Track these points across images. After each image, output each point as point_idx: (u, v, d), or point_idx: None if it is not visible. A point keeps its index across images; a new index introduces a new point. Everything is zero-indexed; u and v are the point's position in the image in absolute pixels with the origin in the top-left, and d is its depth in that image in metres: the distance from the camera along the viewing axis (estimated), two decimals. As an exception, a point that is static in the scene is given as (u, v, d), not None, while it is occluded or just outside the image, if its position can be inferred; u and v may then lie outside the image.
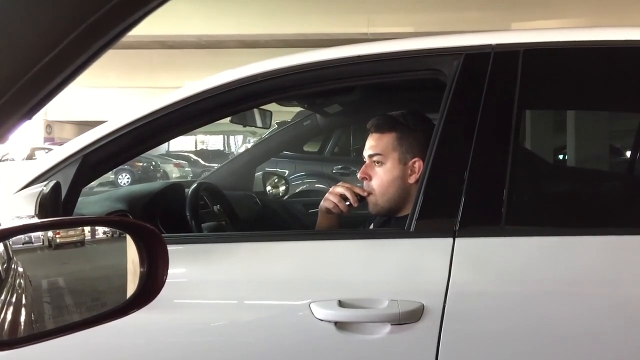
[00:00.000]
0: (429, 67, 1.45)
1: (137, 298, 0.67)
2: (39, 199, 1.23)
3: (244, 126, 2.52)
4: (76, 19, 0.39)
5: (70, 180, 1.40)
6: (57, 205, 1.28)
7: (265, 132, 3.65)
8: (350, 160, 7.11)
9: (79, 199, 1.50)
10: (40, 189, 1.27)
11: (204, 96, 1.48)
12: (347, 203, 1.66)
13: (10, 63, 0.40)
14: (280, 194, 2.93)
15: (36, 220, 0.70)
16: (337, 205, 1.67)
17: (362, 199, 1.66)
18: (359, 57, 1.48)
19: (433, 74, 1.45)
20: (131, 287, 0.77)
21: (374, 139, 1.65)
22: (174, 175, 16.97)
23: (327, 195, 1.70)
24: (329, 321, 1.23)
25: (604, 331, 1.22)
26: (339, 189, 1.69)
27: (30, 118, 0.46)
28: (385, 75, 1.52)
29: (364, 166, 1.67)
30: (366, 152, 1.67)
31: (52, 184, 1.29)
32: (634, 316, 1.21)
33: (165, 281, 0.66)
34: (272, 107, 2.11)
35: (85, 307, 0.83)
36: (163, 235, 1.70)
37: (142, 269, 0.66)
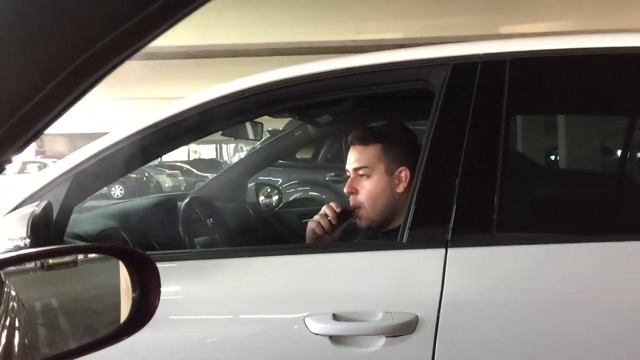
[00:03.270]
0: (417, 78, 1.46)
1: (130, 323, 0.67)
2: (30, 220, 1.23)
3: (235, 139, 2.51)
4: (68, 59, 0.39)
5: (61, 200, 1.40)
6: (49, 226, 1.28)
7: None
8: (344, 167, 7.09)
9: (71, 216, 1.49)
10: (32, 209, 1.27)
11: (194, 112, 1.48)
12: (329, 218, 1.66)
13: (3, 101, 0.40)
14: (274, 204, 2.93)
15: (29, 250, 0.70)
16: (319, 224, 1.67)
17: (347, 216, 1.67)
18: (347, 69, 1.49)
19: (422, 85, 1.46)
20: (125, 310, 0.77)
21: (358, 152, 1.64)
22: (166, 185, 16.93)
23: (313, 218, 1.71)
24: (324, 335, 1.24)
25: (599, 339, 1.22)
26: (323, 209, 1.70)
27: (21, 152, 0.46)
28: (374, 87, 1.53)
29: (349, 180, 1.66)
30: (350, 166, 1.65)
31: (43, 204, 1.29)
32: (630, 324, 1.22)
33: (157, 306, 0.66)
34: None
35: (78, 334, 0.83)
36: (157, 252, 1.70)
37: (134, 294, 0.66)
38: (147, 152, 1.55)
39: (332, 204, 1.71)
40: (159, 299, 0.65)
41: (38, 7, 0.38)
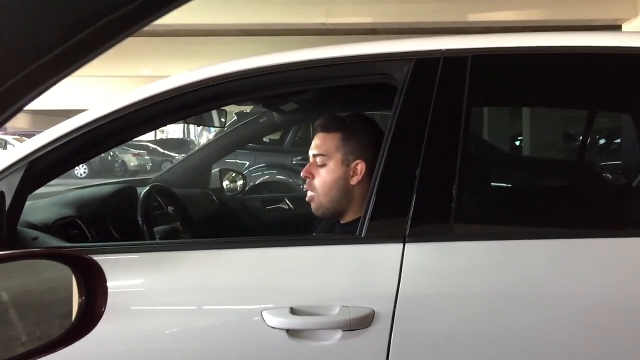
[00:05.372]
0: (380, 72, 1.47)
1: (75, 329, 0.66)
2: (-19, 211, 1.20)
3: (199, 126, 2.49)
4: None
5: (15, 189, 1.36)
6: (1, 216, 1.25)
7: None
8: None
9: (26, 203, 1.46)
10: (-17, 199, 1.23)
11: (155, 100, 1.46)
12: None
13: None
14: (238, 190, 2.91)
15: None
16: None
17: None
18: (311, 61, 1.48)
19: (384, 79, 1.46)
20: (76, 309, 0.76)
21: (320, 139, 1.67)
22: (132, 164, 16.68)
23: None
24: (281, 329, 1.24)
25: (554, 332, 1.25)
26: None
27: None
28: (337, 79, 1.53)
29: (307, 164, 1.69)
30: (311, 151, 1.69)
31: (-5, 194, 1.25)
32: (585, 319, 1.25)
33: (103, 313, 0.65)
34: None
35: (30, 328, 0.82)
36: (116, 243, 1.67)
37: (80, 300, 0.65)
38: (106, 140, 1.53)
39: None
40: (105, 306, 0.64)
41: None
